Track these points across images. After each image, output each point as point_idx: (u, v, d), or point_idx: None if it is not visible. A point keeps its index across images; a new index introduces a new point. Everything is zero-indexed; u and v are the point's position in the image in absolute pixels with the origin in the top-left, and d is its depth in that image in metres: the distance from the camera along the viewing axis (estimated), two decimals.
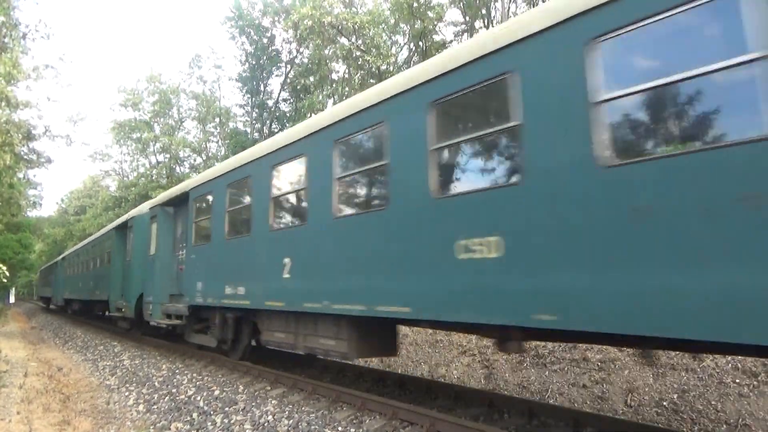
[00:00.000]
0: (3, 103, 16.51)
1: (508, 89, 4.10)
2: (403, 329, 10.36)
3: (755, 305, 2.70)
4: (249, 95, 30.71)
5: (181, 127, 35.89)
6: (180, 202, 11.04)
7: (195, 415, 6.21)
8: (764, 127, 2.77)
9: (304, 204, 6.71)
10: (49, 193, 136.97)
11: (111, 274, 15.31)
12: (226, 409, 6.27)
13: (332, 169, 6.05)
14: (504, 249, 3.98)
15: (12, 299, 55.72)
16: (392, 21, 21.14)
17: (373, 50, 19.73)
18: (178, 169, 34.00)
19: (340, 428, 5.23)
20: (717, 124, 3.09)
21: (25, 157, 22.87)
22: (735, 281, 2.77)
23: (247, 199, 8.12)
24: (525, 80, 3.96)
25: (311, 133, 6.60)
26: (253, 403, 6.35)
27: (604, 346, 7.59)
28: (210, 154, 32.64)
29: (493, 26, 17.84)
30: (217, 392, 7.16)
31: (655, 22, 3.21)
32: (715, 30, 3.10)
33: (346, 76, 22.60)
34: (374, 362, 9.96)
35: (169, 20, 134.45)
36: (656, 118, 3.35)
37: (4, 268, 17.71)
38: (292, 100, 29.38)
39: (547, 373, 7.87)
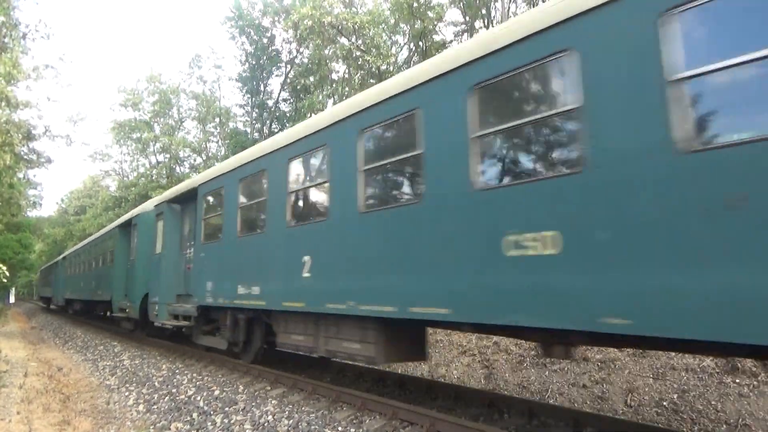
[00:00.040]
0: (3, 103, 16.51)
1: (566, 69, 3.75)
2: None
3: None
4: (249, 95, 30.71)
5: (181, 127, 35.92)
6: (188, 198, 10.69)
7: (195, 415, 6.21)
8: None
9: (325, 198, 6.31)
10: (49, 193, 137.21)
11: (114, 273, 15.08)
12: (226, 409, 6.27)
13: (357, 161, 5.67)
14: (562, 245, 3.61)
15: (12, 299, 55.72)
16: (392, 21, 21.13)
17: (373, 50, 19.72)
18: (178, 169, 34.01)
19: (340, 428, 5.23)
20: None
21: (25, 157, 22.87)
22: None
23: (262, 194, 7.71)
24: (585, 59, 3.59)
25: (334, 123, 6.19)
26: (253, 403, 6.35)
27: (604, 347, 7.58)
28: (210, 154, 32.65)
29: (492, 26, 17.84)
30: (217, 392, 7.16)
31: None
32: None
33: (346, 76, 22.60)
34: None
35: (169, 20, 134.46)
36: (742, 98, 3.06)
37: (4, 268, 17.70)
38: (292, 100, 29.36)
39: (547, 373, 7.87)
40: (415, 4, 18.91)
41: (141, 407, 6.90)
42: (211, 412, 6.20)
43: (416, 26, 19.71)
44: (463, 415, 5.68)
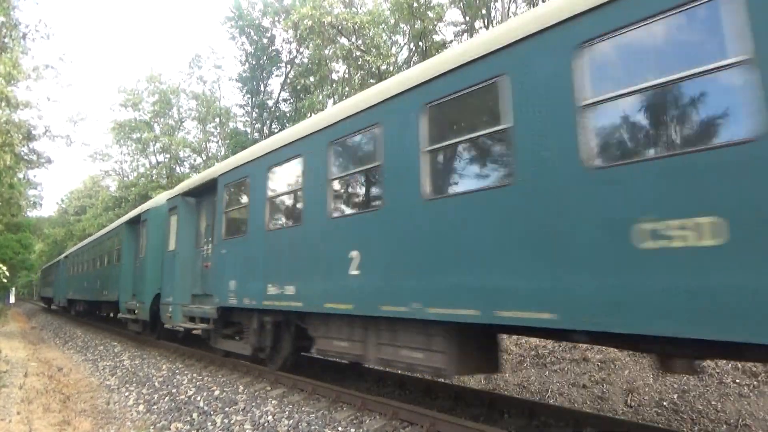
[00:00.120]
0: (3, 103, 16.51)
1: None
2: None
3: None
4: (249, 95, 30.74)
5: (181, 127, 35.94)
6: (205, 191, 9.78)
7: (195, 415, 6.21)
8: None
9: (378, 184, 5.60)
10: (49, 193, 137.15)
11: (121, 272, 14.19)
12: (226, 409, 6.27)
13: (419, 140, 5.00)
14: (728, 233, 2.90)
15: (12, 299, 55.72)
16: (392, 21, 21.14)
17: (373, 50, 19.73)
18: (178, 169, 34.02)
19: (340, 428, 5.23)
20: None
21: (25, 157, 22.88)
22: None
23: (297, 183, 6.96)
24: None
25: (390, 97, 5.48)
26: (253, 403, 6.36)
27: (604, 346, 7.58)
28: (210, 154, 32.67)
29: (492, 26, 17.84)
30: (217, 392, 7.17)
31: None
32: None
33: (346, 76, 22.61)
34: None
35: (170, 21, 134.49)
36: None
37: (4, 268, 17.67)
38: (292, 100, 29.39)
39: (547, 373, 7.87)
40: (415, 4, 18.92)
41: (141, 407, 6.90)
42: (211, 412, 6.21)
43: (416, 26, 19.73)
44: (463, 415, 5.68)
